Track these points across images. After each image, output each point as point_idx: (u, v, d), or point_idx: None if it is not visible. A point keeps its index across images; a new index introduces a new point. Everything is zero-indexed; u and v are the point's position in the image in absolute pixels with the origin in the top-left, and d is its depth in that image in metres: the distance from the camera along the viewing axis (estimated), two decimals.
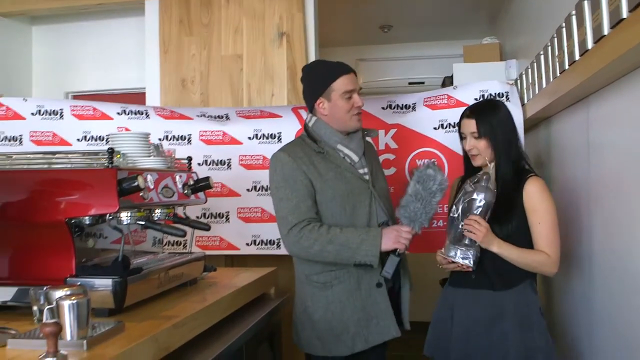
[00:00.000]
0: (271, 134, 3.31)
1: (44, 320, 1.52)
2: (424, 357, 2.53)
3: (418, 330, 2.67)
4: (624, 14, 1.53)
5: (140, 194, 2.00)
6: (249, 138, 3.32)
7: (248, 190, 3.30)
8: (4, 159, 2.07)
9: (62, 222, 1.90)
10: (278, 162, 2.43)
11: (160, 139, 3.30)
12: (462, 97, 3.14)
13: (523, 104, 3.07)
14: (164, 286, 2.21)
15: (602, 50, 1.73)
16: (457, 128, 2.52)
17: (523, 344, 2.25)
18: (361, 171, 2.49)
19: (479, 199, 2.25)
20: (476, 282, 2.34)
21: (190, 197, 2.45)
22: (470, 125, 2.40)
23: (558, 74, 2.31)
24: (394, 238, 2.34)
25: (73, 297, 1.55)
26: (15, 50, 4.60)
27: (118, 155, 2.12)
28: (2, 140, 3.38)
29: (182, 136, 3.36)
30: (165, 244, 3.19)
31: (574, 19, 2.02)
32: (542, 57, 2.63)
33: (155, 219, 2.24)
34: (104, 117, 3.39)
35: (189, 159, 2.61)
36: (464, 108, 2.53)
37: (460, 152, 2.58)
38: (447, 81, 5.27)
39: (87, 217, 1.94)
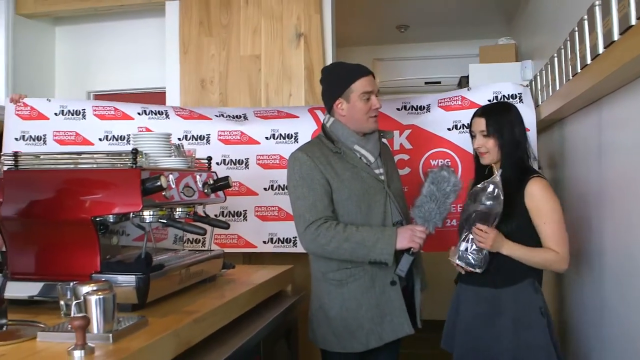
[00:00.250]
0: (288, 134, 3.37)
1: (72, 314, 1.59)
2: (436, 355, 2.59)
3: (431, 328, 2.72)
4: (633, 20, 1.57)
5: (163, 193, 2.07)
6: (266, 138, 3.38)
7: (265, 189, 3.36)
8: (32, 159, 2.14)
9: (87, 220, 1.97)
10: (296, 162, 2.49)
11: (179, 139, 3.37)
12: (475, 99, 3.17)
13: (537, 105, 3.11)
14: (185, 282, 2.28)
15: (613, 55, 1.77)
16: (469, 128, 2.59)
17: (519, 342, 2.30)
18: (377, 171, 2.54)
19: (485, 208, 2.31)
20: (480, 279, 2.41)
21: (210, 196, 2.52)
22: (480, 123, 2.47)
23: (571, 77, 2.34)
24: (408, 237, 2.39)
25: (100, 293, 1.62)
26: (39, 51, 4.71)
27: (141, 156, 2.19)
28: (27, 140, 3.46)
29: (201, 136, 3.43)
30: (185, 242, 3.26)
31: (585, 23, 2.06)
32: (555, 59, 2.66)
33: (177, 217, 2.30)
34: (125, 117, 3.47)
35: (209, 158, 2.68)
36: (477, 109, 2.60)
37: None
38: (464, 81, 5.30)
39: (111, 216, 2.01)
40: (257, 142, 3.40)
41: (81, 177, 2.04)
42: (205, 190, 2.47)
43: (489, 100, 3.13)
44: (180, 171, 2.32)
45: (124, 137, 3.43)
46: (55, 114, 3.50)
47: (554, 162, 3.17)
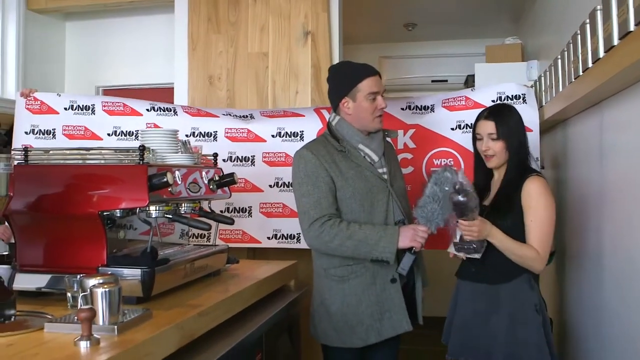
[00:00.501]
0: (294, 132, 3.40)
1: (79, 306, 1.64)
2: (437, 351, 2.63)
3: (432, 324, 2.76)
4: (632, 26, 1.59)
5: (169, 189, 2.11)
6: (272, 136, 3.42)
7: (270, 186, 3.41)
8: (41, 153, 2.19)
9: (95, 215, 2.02)
10: (301, 159, 2.53)
11: (187, 136, 3.42)
12: (479, 99, 3.20)
13: (541, 106, 3.13)
14: (189, 276, 2.32)
15: (613, 60, 1.80)
16: (472, 129, 2.61)
17: (513, 339, 2.33)
18: (380, 170, 2.57)
19: (454, 205, 2.33)
20: (476, 275, 2.46)
21: (215, 192, 2.56)
22: (489, 126, 2.49)
23: (573, 79, 2.37)
24: (410, 236, 2.42)
25: (106, 285, 1.66)
26: (50, 46, 4.76)
27: (148, 152, 2.23)
28: (36, 134, 3.51)
29: (208, 133, 3.47)
30: (191, 237, 3.31)
31: (587, 27, 2.09)
32: (559, 61, 2.68)
33: (182, 212, 2.35)
34: (134, 113, 3.51)
35: (215, 155, 2.72)
36: (481, 109, 2.62)
37: None
38: (470, 79, 5.31)
39: (118, 210, 2.06)
40: (263, 140, 3.44)
41: (89, 172, 2.08)
42: (211, 186, 2.51)
43: (493, 101, 3.16)
44: (187, 167, 2.36)
45: (133, 132, 3.47)
46: (65, 109, 3.54)
47: (557, 163, 3.20)
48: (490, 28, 5.74)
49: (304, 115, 3.44)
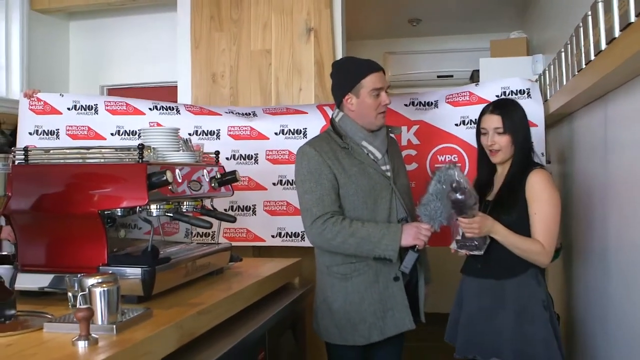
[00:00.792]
0: (297, 130, 3.39)
1: (77, 305, 1.63)
2: (440, 348, 2.61)
3: (436, 321, 2.74)
4: (632, 18, 1.57)
5: (169, 188, 2.10)
6: (276, 133, 3.41)
7: (274, 184, 3.40)
8: (41, 153, 2.19)
9: (95, 214, 2.01)
10: (304, 156, 2.51)
11: (190, 134, 3.41)
12: (483, 94, 3.18)
13: (546, 100, 3.10)
14: (191, 275, 2.31)
15: (614, 52, 1.78)
16: (477, 124, 2.59)
17: (520, 335, 2.31)
18: (384, 168, 2.56)
19: (452, 204, 2.31)
20: (481, 271, 2.44)
21: (220, 190, 2.55)
22: (495, 120, 2.47)
23: (576, 72, 2.34)
24: (413, 234, 2.41)
25: (104, 285, 1.66)
26: (54, 45, 4.77)
27: (149, 150, 2.22)
28: (40, 134, 3.51)
29: (211, 131, 3.46)
30: (195, 235, 3.31)
31: (589, 19, 2.06)
32: (562, 54, 2.66)
33: (184, 211, 2.34)
34: (137, 112, 3.51)
35: (217, 153, 2.71)
36: (485, 105, 2.60)
37: None
38: (476, 74, 5.28)
39: (118, 209, 2.05)
40: (267, 138, 3.43)
41: (89, 171, 2.08)
42: (213, 184, 2.50)
43: (497, 96, 3.13)
44: (188, 165, 2.35)
45: (136, 132, 3.47)
46: (68, 109, 3.55)
47: (563, 157, 3.17)
48: (496, 23, 5.70)
49: (307, 113, 3.42)
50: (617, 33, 1.72)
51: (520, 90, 3.16)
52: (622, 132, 2.17)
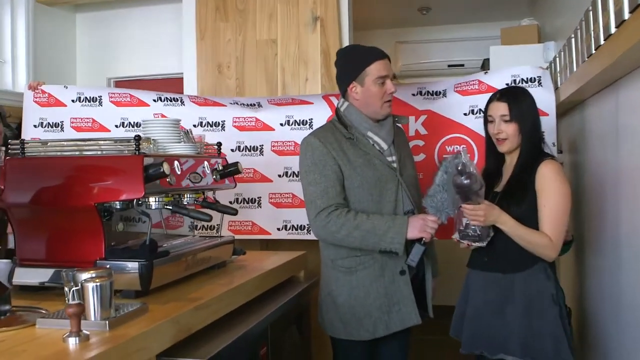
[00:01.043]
0: (303, 120, 3.34)
1: (69, 301, 1.59)
2: (446, 341, 2.56)
3: (442, 314, 2.69)
4: None
5: (167, 180, 2.06)
6: (281, 124, 3.36)
7: (279, 176, 3.35)
8: (38, 145, 2.16)
9: (91, 207, 1.97)
10: (308, 147, 2.46)
11: (194, 125, 3.38)
12: (493, 83, 3.10)
13: (557, 88, 3.02)
14: (192, 269, 2.27)
15: (624, 35, 1.71)
16: (484, 112, 2.52)
17: (528, 330, 2.25)
18: (389, 159, 2.50)
19: (456, 188, 2.25)
20: (488, 264, 2.37)
21: (224, 181, 2.51)
22: (501, 108, 2.40)
23: (586, 58, 2.27)
24: (419, 227, 2.35)
25: (97, 280, 1.62)
26: (60, 38, 4.74)
27: (149, 142, 2.18)
28: (45, 127, 3.50)
29: (216, 122, 3.42)
30: (200, 228, 3.27)
31: (599, 2, 1.98)
32: (572, 40, 2.58)
33: (185, 203, 2.30)
34: (141, 104, 3.48)
35: (219, 144, 2.66)
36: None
37: None
38: (487, 63, 5.19)
39: (117, 202, 2.01)
40: (272, 129, 3.38)
41: (84, 163, 2.04)
42: (214, 176, 2.46)
43: (507, 84, 3.06)
44: (188, 157, 2.31)
45: (140, 123, 3.43)
46: (73, 101, 3.52)
47: (575, 147, 3.09)
48: (507, 10, 5.59)
49: (312, 103, 3.37)
50: (626, 15, 1.65)
51: (531, 78, 3.08)
52: (634, 119, 2.10)
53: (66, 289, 1.83)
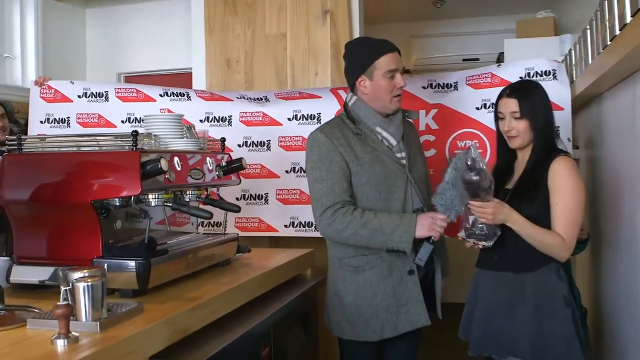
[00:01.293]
0: (310, 115, 3.27)
1: (60, 301, 1.55)
2: (455, 339, 2.48)
3: (452, 311, 2.61)
4: None
5: (166, 176, 2.01)
6: (289, 119, 3.30)
7: (287, 171, 3.29)
8: (37, 142, 2.12)
9: (88, 204, 1.92)
10: (315, 143, 2.40)
11: (201, 120, 3.33)
12: (506, 76, 3.00)
13: (572, 81, 2.93)
14: (193, 267, 2.22)
15: (639, 24, 1.62)
16: (494, 108, 2.44)
17: (539, 331, 2.16)
18: (399, 155, 2.42)
19: (465, 184, 2.17)
20: (498, 263, 2.29)
21: (230, 177, 2.46)
22: (511, 104, 2.31)
23: (602, 50, 2.18)
24: (428, 225, 2.28)
25: (88, 279, 1.57)
26: (70, 33, 4.74)
27: (150, 138, 2.13)
28: (51, 123, 3.47)
29: (222, 117, 3.37)
30: (207, 225, 3.22)
31: None
32: (588, 31, 2.49)
33: (187, 200, 2.25)
34: (147, 99, 3.44)
35: (223, 140, 2.61)
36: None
37: None
38: (502, 57, 5.09)
39: (114, 199, 1.96)
40: (279, 124, 3.32)
41: (81, 160, 1.99)
42: (217, 173, 2.41)
43: (521, 77, 2.97)
44: (189, 153, 2.25)
45: None
46: (79, 97, 3.50)
47: (592, 142, 3.00)
48: (522, 2, 5.47)
49: (320, 97, 3.30)
50: None
51: (546, 71, 2.98)
52: None
53: (62, 288, 1.81)
